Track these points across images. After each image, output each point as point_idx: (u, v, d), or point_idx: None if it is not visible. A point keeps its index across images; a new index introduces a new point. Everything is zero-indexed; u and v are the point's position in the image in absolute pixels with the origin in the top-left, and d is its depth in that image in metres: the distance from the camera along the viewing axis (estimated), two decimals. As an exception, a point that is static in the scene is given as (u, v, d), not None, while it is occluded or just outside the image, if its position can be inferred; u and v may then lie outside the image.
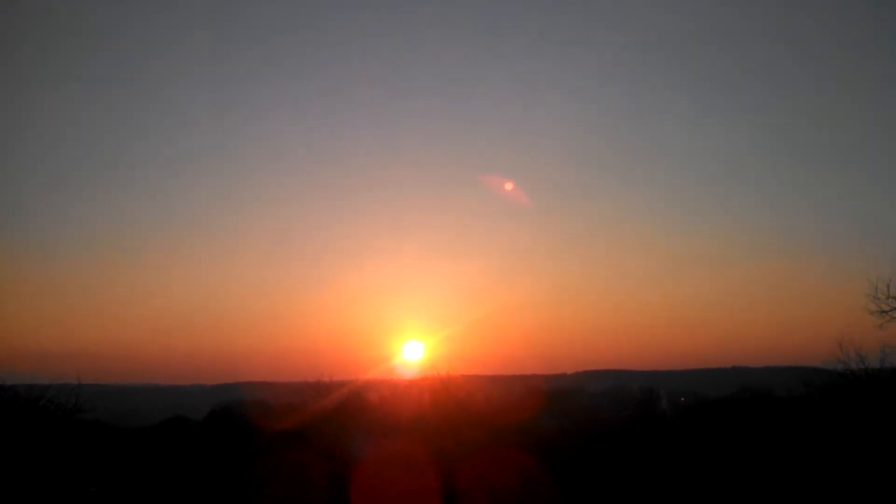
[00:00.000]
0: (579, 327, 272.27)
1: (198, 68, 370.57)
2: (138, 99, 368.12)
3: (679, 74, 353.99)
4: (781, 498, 36.65)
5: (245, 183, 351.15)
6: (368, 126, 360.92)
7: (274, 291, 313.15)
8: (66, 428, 43.63)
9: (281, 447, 42.14)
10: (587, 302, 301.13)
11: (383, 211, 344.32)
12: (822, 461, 37.25)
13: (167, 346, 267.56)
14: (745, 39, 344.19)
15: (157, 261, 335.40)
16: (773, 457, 39.66)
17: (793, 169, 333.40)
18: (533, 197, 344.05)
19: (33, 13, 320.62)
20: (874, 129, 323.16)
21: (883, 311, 34.60)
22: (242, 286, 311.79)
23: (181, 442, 55.92)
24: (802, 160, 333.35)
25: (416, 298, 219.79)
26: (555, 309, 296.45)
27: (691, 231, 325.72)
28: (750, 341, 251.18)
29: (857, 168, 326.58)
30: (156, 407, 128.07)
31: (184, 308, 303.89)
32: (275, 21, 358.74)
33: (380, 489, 37.14)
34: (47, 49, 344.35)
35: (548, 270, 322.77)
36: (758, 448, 40.92)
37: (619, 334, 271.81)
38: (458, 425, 42.77)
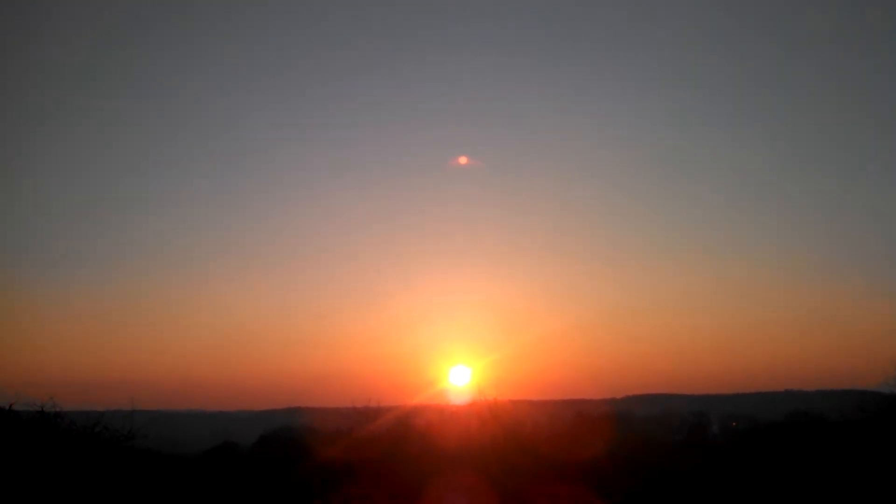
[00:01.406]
0: (628, 350, 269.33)
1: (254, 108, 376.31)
2: (198, 131, 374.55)
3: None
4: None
5: (295, 208, 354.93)
6: (421, 149, 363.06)
7: (321, 316, 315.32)
8: (118, 455, 44.26)
9: (336, 476, 42.13)
10: (636, 324, 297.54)
11: (432, 235, 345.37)
12: (878, 487, 36.35)
13: (216, 372, 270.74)
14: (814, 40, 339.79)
15: (207, 287, 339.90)
16: (829, 483, 38.75)
17: (848, 187, 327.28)
18: (578, 219, 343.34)
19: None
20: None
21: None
22: (290, 312, 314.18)
23: (231, 468, 56.31)
24: (860, 178, 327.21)
25: (463, 322, 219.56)
26: (603, 332, 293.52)
27: (743, 253, 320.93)
28: (802, 364, 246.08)
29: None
30: (205, 433, 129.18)
31: (231, 334, 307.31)
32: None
33: None
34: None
35: (596, 293, 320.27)
36: (813, 474, 40.03)
37: (669, 357, 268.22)
38: (506, 453, 42.43)
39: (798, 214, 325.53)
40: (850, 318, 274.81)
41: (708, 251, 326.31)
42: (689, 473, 45.33)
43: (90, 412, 46.06)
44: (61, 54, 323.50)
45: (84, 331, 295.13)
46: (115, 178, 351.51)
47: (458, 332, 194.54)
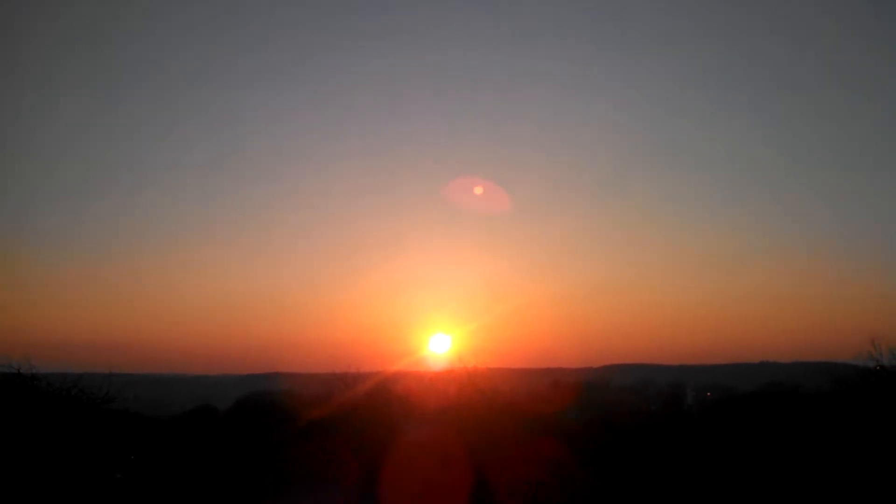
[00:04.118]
0: (607, 321, 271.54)
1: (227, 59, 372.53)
2: (165, 93, 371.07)
3: (714, 68, 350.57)
4: (808, 496, 36.25)
5: (277, 175, 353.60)
6: (397, 120, 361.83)
7: (302, 284, 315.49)
8: (96, 416, 44.17)
9: (309, 437, 42.27)
10: (615, 296, 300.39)
11: (413, 205, 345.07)
12: (850, 459, 36.75)
13: (196, 337, 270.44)
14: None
15: (188, 253, 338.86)
16: (801, 454, 39.16)
17: (826, 163, 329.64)
18: (560, 193, 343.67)
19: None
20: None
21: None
22: (271, 278, 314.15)
23: (208, 431, 56.40)
24: (836, 154, 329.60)
25: (443, 291, 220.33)
26: (582, 303, 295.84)
27: (721, 226, 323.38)
28: (779, 336, 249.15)
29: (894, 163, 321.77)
30: (184, 396, 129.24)
31: (213, 299, 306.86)
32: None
33: (409, 480, 37.13)
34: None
35: (575, 265, 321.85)
36: (785, 445, 40.43)
37: (647, 328, 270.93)
38: (484, 418, 42.67)
39: (778, 192, 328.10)
40: (826, 293, 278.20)
41: (689, 225, 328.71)
42: (660, 438, 45.82)
43: (68, 374, 45.85)
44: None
45: (63, 293, 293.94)
46: (99, 143, 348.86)
47: (438, 301, 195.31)
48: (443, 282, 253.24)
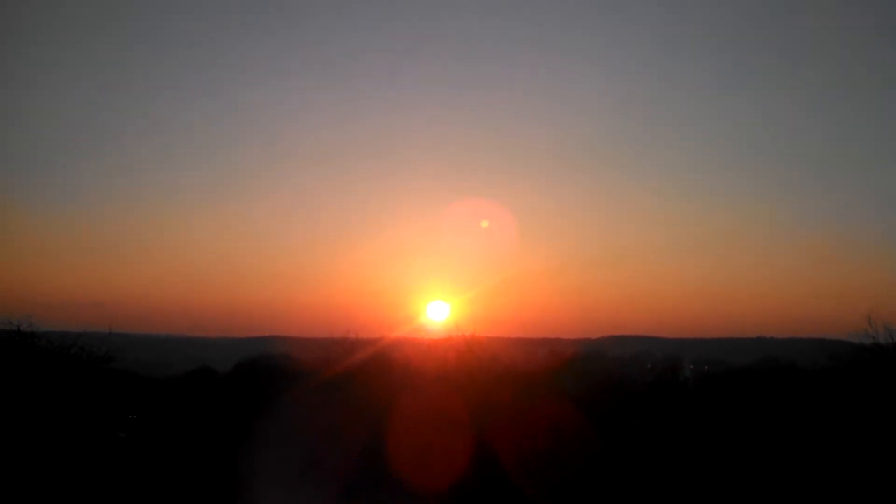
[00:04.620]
0: (606, 292, 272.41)
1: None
2: (164, 57, 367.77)
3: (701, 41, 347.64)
4: (801, 471, 36.58)
5: (279, 140, 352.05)
6: (399, 84, 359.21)
7: (302, 248, 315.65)
8: (96, 376, 44.46)
9: (309, 401, 42.50)
10: (615, 268, 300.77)
11: (414, 172, 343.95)
12: (842, 435, 37.01)
13: (196, 299, 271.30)
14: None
15: (189, 215, 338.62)
16: (794, 429, 39.43)
17: (823, 139, 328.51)
18: (563, 159, 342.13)
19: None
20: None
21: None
22: (272, 242, 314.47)
23: (207, 392, 56.66)
24: (834, 131, 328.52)
25: (443, 259, 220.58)
26: (582, 273, 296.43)
27: (721, 201, 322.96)
28: (776, 312, 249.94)
29: (890, 140, 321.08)
30: (183, 358, 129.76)
31: (214, 262, 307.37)
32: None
33: (410, 445, 37.43)
34: None
35: (576, 235, 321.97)
36: (778, 419, 40.72)
37: (646, 301, 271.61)
38: (483, 384, 42.96)
39: (776, 167, 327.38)
40: (825, 269, 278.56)
41: (688, 199, 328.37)
42: (656, 409, 46.19)
43: (68, 333, 46.10)
44: None
45: (64, 251, 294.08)
46: (96, 96, 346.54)
47: (437, 269, 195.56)
48: (442, 248, 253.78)
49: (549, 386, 44.57)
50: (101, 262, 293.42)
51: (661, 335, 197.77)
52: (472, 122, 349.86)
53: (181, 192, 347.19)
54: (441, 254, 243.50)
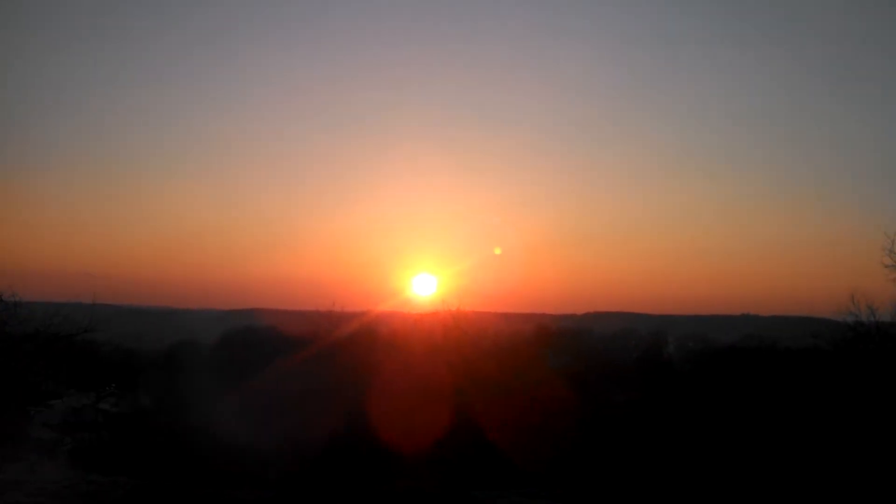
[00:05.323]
0: (591, 268, 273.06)
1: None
2: (145, 27, 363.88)
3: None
4: (781, 448, 36.83)
5: (258, 109, 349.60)
6: (382, 58, 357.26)
7: (287, 219, 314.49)
8: (78, 346, 44.15)
9: (294, 374, 42.53)
10: (600, 243, 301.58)
11: (398, 142, 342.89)
12: (825, 415, 37.18)
13: (180, 270, 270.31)
14: None
15: (174, 184, 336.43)
16: (776, 406, 39.63)
17: (809, 114, 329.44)
18: (550, 137, 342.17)
19: None
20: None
21: (898, 265, 33.92)
22: (256, 212, 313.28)
23: (194, 365, 56.56)
24: (821, 105, 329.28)
25: (429, 232, 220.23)
26: (567, 249, 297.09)
27: (705, 176, 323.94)
28: (761, 289, 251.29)
29: (879, 116, 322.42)
30: (167, 330, 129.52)
31: (198, 232, 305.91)
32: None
33: (394, 413, 37.50)
34: None
35: (562, 210, 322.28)
36: (759, 396, 40.94)
37: (631, 277, 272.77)
38: (469, 358, 43.07)
39: (763, 141, 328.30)
40: (810, 246, 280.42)
41: (674, 175, 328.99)
42: (640, 385, 46.49)
43: (50, 304, 45.73)
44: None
45: (48, 221, 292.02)
46: (80, 68, 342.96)
47: (424, 242, 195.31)
48: (428, 221, 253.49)
49: (534, 361, 44.71)
50: (87, 232, 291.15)
51: (646, 312, 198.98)
52: (460, 94, 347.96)
53: (166, 162, 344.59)
54: (429, 226, 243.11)
